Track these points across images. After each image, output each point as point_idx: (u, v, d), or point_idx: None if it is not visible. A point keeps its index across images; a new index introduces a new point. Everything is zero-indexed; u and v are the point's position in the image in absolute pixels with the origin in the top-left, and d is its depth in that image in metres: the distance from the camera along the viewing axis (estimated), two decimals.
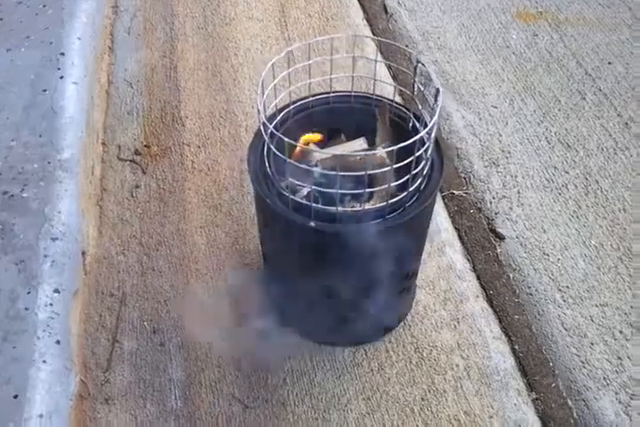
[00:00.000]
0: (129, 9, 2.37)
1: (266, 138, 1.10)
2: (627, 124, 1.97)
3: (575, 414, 1.39)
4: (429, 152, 1.11)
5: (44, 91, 1.78)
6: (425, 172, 1.13)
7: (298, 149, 1.19)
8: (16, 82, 1.79)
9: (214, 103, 2.01)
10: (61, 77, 1.83)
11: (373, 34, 2.28)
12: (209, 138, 1.91)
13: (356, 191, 1.07)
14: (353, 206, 1.14)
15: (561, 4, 2.41)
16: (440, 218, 1.72)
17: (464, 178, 1.84)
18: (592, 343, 1.49)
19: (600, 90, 2.09)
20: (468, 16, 2.37)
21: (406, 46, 2.20)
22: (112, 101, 2.03)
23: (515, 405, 1.38)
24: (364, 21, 2.34)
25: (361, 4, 2.41)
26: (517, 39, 2.28)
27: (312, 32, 2.25)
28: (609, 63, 2.19)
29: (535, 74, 2.15)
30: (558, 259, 1.65)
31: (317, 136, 1.26)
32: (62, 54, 1.90)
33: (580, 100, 2.06)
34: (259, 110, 1.05)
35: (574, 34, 2.30)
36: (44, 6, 2.06)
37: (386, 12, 2.38)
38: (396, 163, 1.00)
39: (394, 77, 2.09)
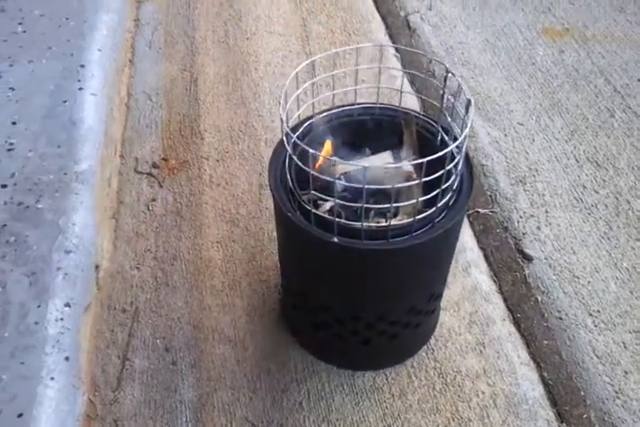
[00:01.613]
0: (150, 22, 2.36)
1: (288, 149, 1.05)
2: None
3: None
4: (460, 166, 1.06)
5: (64, 102, 1.76)
6: (455, 187, 1.08)
7: (321, 161, 1.14)
8: (36, 92, 1.77)
9: (234, 117, 1.98)
10: (80, 89, 1.81)
11: (396, 50, 2.25)
12: (228, 152, 1.88)
13: (383, 206, 1.02)
14: (378, 222, 1.08)
15: (588, 21, 2.37)
16: (465, 237, 1.66)
17: (490, 196, 1.78)
18: (626, 372, 1.41)
19: (629, 107, 2.03)
20: (493, 32, 2.33)
21: (430, 62, 2.16)
22: (131, 114, 2.00)
23: None
24: (387, 37, 2.31)
25: (383, 19, 2.39)
26: (543, 56, 2.24)
27: (334, 47, 2.22)
28: (638, 80, 2.13)
29: (562, 91, 2.10)
30: (589, 281, 1.58)
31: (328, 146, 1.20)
32: (82, 66, 1.89)
33: (608, 118, 2.00)
34: (282, 119, 1.01)
35: (602, 51, 2.25)
36: (67, 19, 2.05)
37: (409, 27, 2.35)
38: (425, 177, 0.95)
39: (417, 91, 2.05)
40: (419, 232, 1.05)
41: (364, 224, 1.02)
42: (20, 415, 1.12)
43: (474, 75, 2.16)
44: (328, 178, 0.98)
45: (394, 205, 0.99)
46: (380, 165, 1.14)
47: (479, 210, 1.74)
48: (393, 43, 2.29)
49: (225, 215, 1.70)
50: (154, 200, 1.74)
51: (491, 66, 2.20)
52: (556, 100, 2.07)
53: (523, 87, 2.11)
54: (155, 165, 1.82)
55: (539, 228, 1.70)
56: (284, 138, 1.05)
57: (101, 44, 2.01)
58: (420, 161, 0.93)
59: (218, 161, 1.85)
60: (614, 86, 2.11)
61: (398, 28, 2.35)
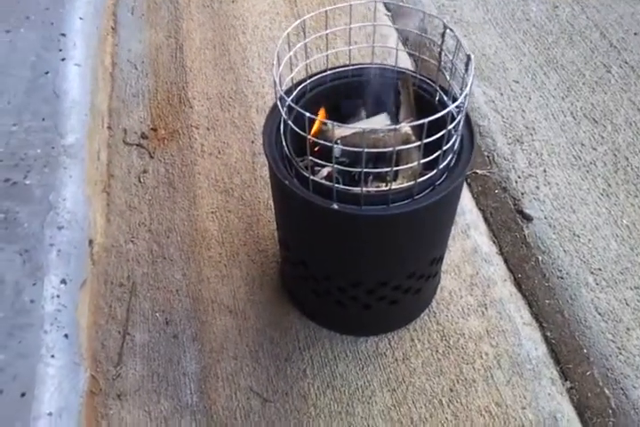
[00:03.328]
0: None
1: (283, 113, 1.01)
2: None
3: (613, 404, 1.31)
4: (460, 127, 1.02)
5: (46, 73, 1.70)
6: (455, 148, 1.05)
7: (317, 125, 1.10)
8: (16, 64, 1.71)
9: (223, 83, 1.93)
10: (63, 59, 1.75)
11: (387, 8, 2.18)
12: (218, 120, 1.83)
13: (383, 170, 0.99)
14: (378, 186, 1.06)
15: None
16: (464, 199, 1.63)
17: (487, 157, 1.75)
18: (628, 328, 1.41)
19: (626, 62, 1.99)
20: None
21: (422, 20, 2.09)
22: (116, 84, 1.94)
23: (549, 394, 1.31)
24: None
25: None
26: (537, 11, 2.18)
27: (323, 8, 2.14)
28: (635, 34, 2.08)
29: (557, 47, 2.05)
30: (589, 240, 1.56)
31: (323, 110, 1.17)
32: (63, 35, 1.82)
33: (605, 73, 1.96)
34: (275, 82, 0.97)
35: (596, 4, 2.19)
36: None
37: None
38: (425, 138, 0.92)
39: (410, 50, 1.99)
40: (419, 196, 1.03)
41: (364, 189, 0.99)
42: (23, 395, 1.11)
43: (467, 33, 2.10)
44: (326, 143, 0.95)
45: (394, 168, 0.96)
46: (379, 127, 1.10)
47: (477, 171, 1.71)
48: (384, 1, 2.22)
49: (219, 185, 1.67)
50: (145, 172, 1.70)
51: (484, 23, 2.14)
52: (551, 57, 2.02)
53: (517, 44, 2.06)
54: (144, 136, 1.78)
55: (537, 187, 1.67)
56: (278, 102, 1.01)
57: (83, 12, 1.94)
58: (421, 122, 0.90)
59: (208, 129, 1.80)
60: (610, 41, 2.06)
61: None
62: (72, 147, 1.52)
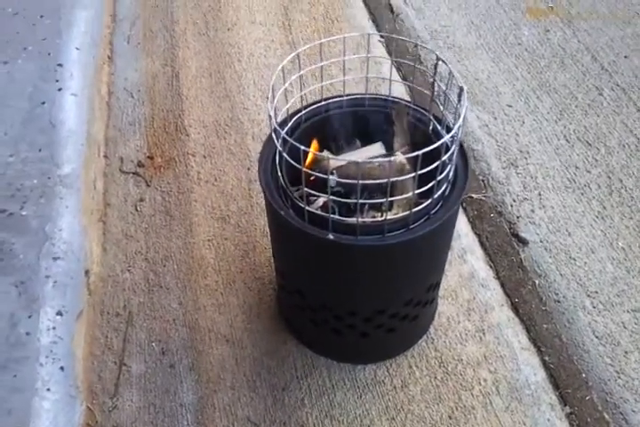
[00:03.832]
0: (128, 17, 2.30)
1: (277, 145, 1.02)
2: None
3: None
4: (454, 157, 1.03)
5: (43, 104, 1.71)
6: (450, 177, 1.05)
7: (311, 156, 1.11)
8: (13, 95, 1.72)
9: (219, 111, 1.94)
10: (60, 89, 1.76)
11: (380, 35, 2.21)
12: (214, 147, 1.84)
13: (379, 201, 0.99)
14: (374, 217, 1.06)
15: None
16: (459, 224, 1.64)
17: (482, 181, 1.76)
18: (626, 352, 1.41)
19: (618, 85, 2.02)
20: (477, 14, 2.29)
21: (415, 47, 2.13)
22: (113, 113, 1.96)
23: (548, 420, 1.30)
24: (371, 22, 2.27)
25: (366, 4, 2.34)
26: (529, 35, 2.21)
27: (317, 35, 2.18)
28: (625, 57, 2.11)
29: (549, 70, 2.07)
30: (585, 262, 1.57)
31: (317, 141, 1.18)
32: (60, 65, 1.84)
33: (597, 96, 1.98)
34: (270, 116, 0.98)
35: (587, 28, 2.22)
36: (42, 17, 1.99)
37: (392, 11, 2.31)
38: (420, 169, 0.93)
39: (404, 79, 2.01)
40: (415, 225, 1.03)
41: (360, 219, 1.00)
42: None
43: (460, 58, 2.13)
44: (320, 175, 0.95)
45: (389, 199, 0.97)
46: (372, 159, 1.11)
47: (472, 195, 1.72)
48: (377, 28, 2.25)
49: (215, 212, 1.67)
50: (141, 200, 1.71)
51: (476, 48, 2.17)
52: (543, 80, 2.04)
53: (510, 68, 2.09)
54: (140, 164, 1.78)
55: (533, 211, 1.68)
56: (273, 134, 1.02)
57: (79, 42, 1.96)
58: (415, 154, 0.91)
59: (205, 157, 1.81)
60: (601, 64, 2.09)
61: (381, 13, 2.30)
62: (68, 177, 1.53)
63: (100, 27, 2.17)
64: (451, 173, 1.05)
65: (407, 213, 1.00)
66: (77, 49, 1.91)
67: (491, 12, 2.29)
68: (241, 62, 2.10)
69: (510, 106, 1.97)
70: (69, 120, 1.67)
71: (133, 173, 1.77)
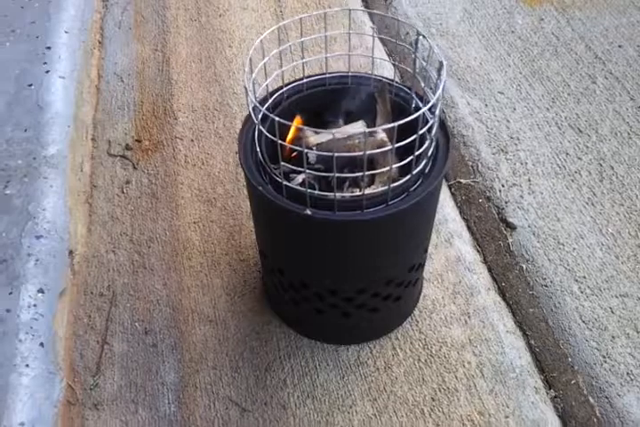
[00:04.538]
0: (119, 2, 2.29)
1: (256, 121, 1.01)
2: None
3: (598, 413, 1.29)
4: (433, 131, 1.02)
5: (30, 86, 1.71)
6: (430, 153, 1.05)
7: (292, 132, 1.10)
8: (0, 77, 1.72)
9: (208, 96, 1.94)
10: (47, 72, 1.76)
11: (372, 21, 2.20)
12: (202, 131, 1.84)
13: (354, 175, 0.99)
14: (352, 192, 1.05)
15: None
16: (447, 208, 1.63)
17: (471, 166, 1.75)
18: (613, 337, 1.40)
19: (611, 73, 2.00)
20: (471, 1, 2.28)
21: (407, 33, 2.12)
22: (102, 96, 1.95)
23: (532, 403, 1.29)
24: (363, 8, 2.26)
25: None
26: (523, 24, 2.20)
27: (309, 21, 2.16)
28: (619, 46, 2.10)
29: (542, 58, 2.06)
30: (574, 248, 1.56)
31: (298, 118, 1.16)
32: (49, 48, 1.83)
33: (590, 85, 1.97)
34: (246, 89, 0.97)
35: (582, 17, 2.21)
36: (30, 0, 1.99)
37: None
38: (397, 142, 0.92)
39: (394, 60, 2.00)
40: (394, 201, 1.02)
41: (337, 195, 0.99)
42: None
43: (452, 45, 2.12)
44: (296, 147, 0.95)
45: (366, 173, 0.96)
46: (348, 132, 1.10)
47: (461, 180, 1.71)
48: (370, 15, 2.24)
49: (201, 195, 1.67)
50: (128, 183, 1.70)
51: (469, 35, 2.16)
52: (536, 68, 2.03)
53: (502, 56, 2.08)
54: (128, 147, 1.78)
55: (522, 196, 1.67)
56: (251, 110, 1.01)
57: (68, 26, 1.95)
58: (391, 125, 0.90)
59: (193, 141, 1.81)
60: (595, 53, 2.07)
61: (374, 0, 2.30)
62: (53, 157, 1.52)
63: (91, 11, 2.16)
64: (430, 149, 1.04)
65: (385, 188, 0.99)
66: (66, 32, 1.91)
67: (484, 0, 2.28)
68: (232, 48, 2.09)
69: (502, 93, 1.96)
70: (56, 102, 1.67)
71: (121, 156, 1.76)
